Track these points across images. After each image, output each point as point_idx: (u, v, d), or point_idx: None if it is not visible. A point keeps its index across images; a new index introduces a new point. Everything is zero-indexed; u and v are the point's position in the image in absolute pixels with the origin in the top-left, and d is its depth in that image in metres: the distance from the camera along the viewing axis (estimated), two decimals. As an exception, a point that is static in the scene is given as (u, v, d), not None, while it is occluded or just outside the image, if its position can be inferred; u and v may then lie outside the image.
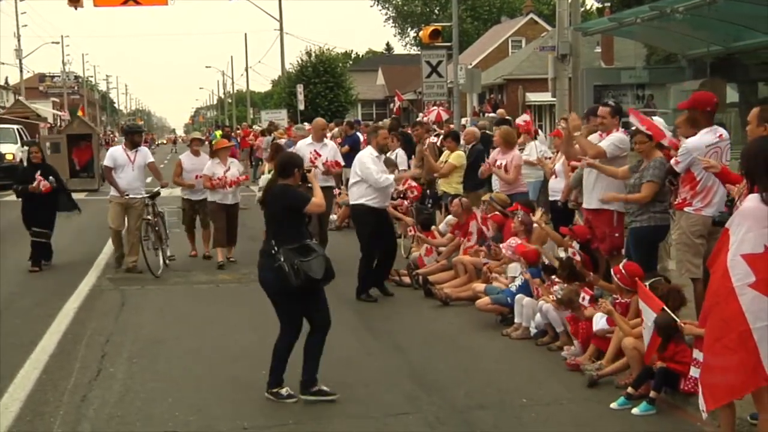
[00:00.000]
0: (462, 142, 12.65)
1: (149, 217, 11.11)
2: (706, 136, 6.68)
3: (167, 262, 11.49)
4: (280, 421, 5.75)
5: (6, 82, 64.61)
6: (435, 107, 20.88)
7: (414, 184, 11.24)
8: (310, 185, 6.42)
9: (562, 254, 7.86)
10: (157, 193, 11.52)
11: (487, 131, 14.04)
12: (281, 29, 44.59)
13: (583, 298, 7.37)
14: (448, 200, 11.56)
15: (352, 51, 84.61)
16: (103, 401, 6.16)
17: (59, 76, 73.55)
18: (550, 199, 9.84)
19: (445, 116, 20.31)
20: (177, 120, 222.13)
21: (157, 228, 11.20)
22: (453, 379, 6.55)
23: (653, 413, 5.73)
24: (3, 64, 64.01)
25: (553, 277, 7.72)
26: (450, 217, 10.86)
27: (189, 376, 6.78)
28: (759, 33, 15.53)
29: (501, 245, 8.96)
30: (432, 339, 7.83)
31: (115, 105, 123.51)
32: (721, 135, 6.73)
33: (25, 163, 12.44)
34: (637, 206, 7.26)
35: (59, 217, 11.87)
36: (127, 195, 10.97)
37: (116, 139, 46.46)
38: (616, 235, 7.84)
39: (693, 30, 16.12)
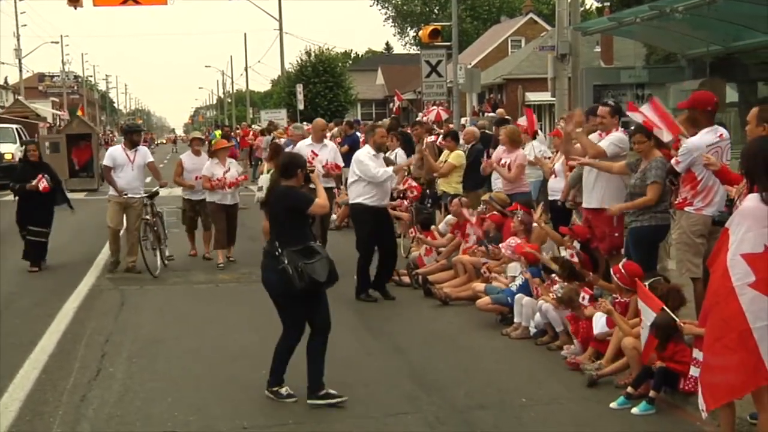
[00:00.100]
0: (462, 141, 12.65)
1: (147, 217, 11.09)
2: (706, 136, 6.68)
3: (166, 262, 11.48)
4: (279, 420, 5.75)
5: (5, 82, 64.57)
6: (434, 107, 20.89)
7: (414, 183, 11.24)
8: (313, 186, 6.37)
9: (564, 253, 7.85)
10: (156, 193, 11.49)
11: (487, 131, 14.05)
12: (281, 29, 44.59)
13: (583, 298, 7.37)
14: (447, 200, 11.56)
15: (351, 51, 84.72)
16: (102, 401, 6.16)
17: (59, 76, 73.54)
18: (550, 198, 9.84)
19: (444, 116, 20.32)
20: (176, 120, 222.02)
21: (155, 228, 11.18)
22: (453, 379, 6.55)
23: (653, 413, 5.73)
24: (2, 63, 64.05)
25: (553, 275, 7.72)
26: (450, 216, 10.86)
27: (188, 375, 6.78)
28: (759, 33, 15.52)
29: (500, 245, 8.96)
30: (432, 339, 7.83)
31: (115, 105, 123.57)
32: (721, 135, 6.73)
33: (22, 162, 12.27)
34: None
35: (56, 215, 11.85)
36: (125, 194, 10.95)
37: (116, 138, 46.46)
38: (616, 234, 7.84)
39: (692, 30, 16.11)
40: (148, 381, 6.64)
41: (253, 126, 36.41)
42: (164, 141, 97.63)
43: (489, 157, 11.04)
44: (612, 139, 7.88)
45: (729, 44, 16.52)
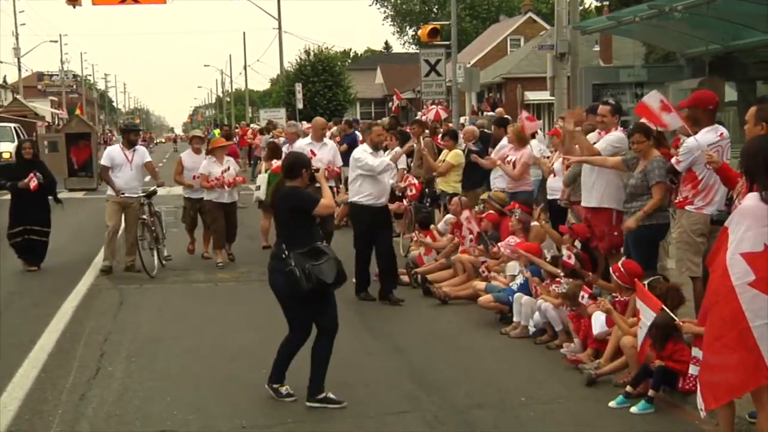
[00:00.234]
0: (461, 140, 12.65)
1: (145, 216, 11.04)
2: (707, 135, 6.67)
3: (164, 262, 11.46)
4: (279, 420, 5.75)
5: (4, 81, 64.51)
6: (434, 106, 20.87)
7: (414, 181, 11.21)
8: (318, 185, 6.28)
9: (564, 252, 7.85)
10: (154, 192, 11.43)
11: (486, 130, 14.05)
12: (280, 28, 44.60)
13: (582, 297, 7.37)
14: (446, 199, 11.57)
15: (350, 50, 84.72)
16: (101, 400, 6.16)
17: (57, 75, 73.44)
18: (549, 197, 9.84)
19: (443, 115, 20.31)
20: (176, 119, 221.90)
21: (153, 228, 11.14)
22: (452, 378, 6.55)
23: (652, 412, 5.74)
24: (1, 62, 63.82)
25: (559, 276, 7.69)
26: (449, 216, 10.86)
27: (188, 375, 6.78)
28: (757, 32, 15.53)
29: (499, 244, 8.96)
30: (431, 338, 7.83)
31: (114, 104, 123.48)
32: (722, 134, 6.73)
33: (16, 159, 12.19)
34: (640, 204, 7.25)
35: (55, 214, 11.81)
36: (123, 194, 10.93)
37: (114, 138, 46.43)
38: (615, 233, 7.84)
39: (691, 28, 16.12)
40: (147, 380, 6.64)
41: (251, 125, 36.38)
42: (163, 140, 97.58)
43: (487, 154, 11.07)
44: (610, 140, 7.88)
45: (728, 43, 16.54)
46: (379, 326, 8.30)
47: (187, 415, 5.86)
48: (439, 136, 13.84)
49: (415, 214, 11.70)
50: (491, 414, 5.81)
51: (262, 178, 12.32)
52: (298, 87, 38.75)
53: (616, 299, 6.81)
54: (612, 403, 5.89)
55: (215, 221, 11.59)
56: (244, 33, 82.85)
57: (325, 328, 6.01)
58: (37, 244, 11.44)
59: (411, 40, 69.76)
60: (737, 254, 4.34)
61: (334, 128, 18.35)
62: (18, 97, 48.77)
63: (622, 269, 6.76)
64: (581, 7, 35.07)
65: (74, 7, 23.78)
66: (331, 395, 5.93)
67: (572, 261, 7.63)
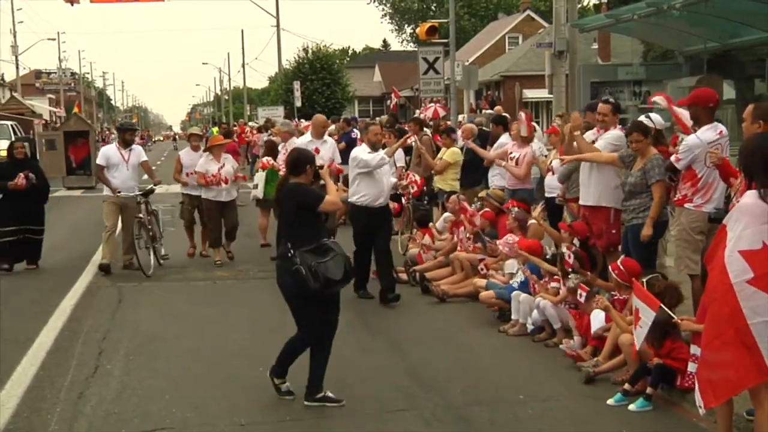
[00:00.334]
0: (459, 138, 12.65)
1: (141, 215, 10.97)
2: (707, 133, 6.66)
3: (161, 261, 11.43)
4: (277, 418, 5.75)
5: (2, 79, 64.41)
6: (432, 104, 20.87)
7: (415, 178, 11.19)
8: (323, 182, 6.21)
9: (565, 250, 7.86)
10: (151, 191, 11.36)
11: (484, 128, 14.06)
12: (278, 26, 44.58)
13: (580, 295, 7.38)
14: (444, 197, 11.57)
15: (349, 47, 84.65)
16: (100, 398, 6.16)
17: (55, 73, 73.36)
18: (547, 195, 9.85)
19: (442, 113, 20.31)
20: (174, 117, 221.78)
21: (150, 226, 11.08)
22: (450, 376, 6.56)
23: (650, 409, 5.75)
24: (-1, 60, 63.85)
25: (569, 274, 7.67)
26: (447, 214, 10.86)
27: (186, 373, 6.78)
28: (755, 29, 15.55)
29: (498, 242, 8.97)
30: (429, 336, 7.84)
31: (112, 102, 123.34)
32: (721, 131, 6.73)
33: (7, 159, 12.04)
34: (639, 203, 7.25)
35: (53, 213, 11.75)
36: (119, 193, 10.88)
37: (112, 136, 46.34)
38: (613, 231, 7.85)
39: (690, 26, 16.14)
40: (145, 378, 6.64)
41: (249, 123, 36.36)
42: (161, 138, 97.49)
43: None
44: (609, 139, 7.88)
45: (726, 41, 16.56)
46: (377, 324, 8.30)
47: (186, 413, 5.86)
48: (443, 133, 13.82)
49: (413, 213, 11.71)
50: (489, 411, 5.81)
51: (260, 176, 12.29)
52: (297, 85, 38.74)
53: (615, 297, 6.82)
54: (610, 401, 5.90)
55: (212, 220, 11.56)
56: (242, 31, 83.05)
57: (325, 329, 5.98)
58: (32, 242, 11.39)
59: (409, 38, 69.73)
60: (736, 252, 4.34)
61: (332, 127, 18.34)
62: (15, 94, 48.73)
63: (621, 267, 6.76)
64: (579, 5, 35.07)
65: (72, 5, 23.80)
66: (329, 394, 5.92)
67: (571, 260, 7.64)
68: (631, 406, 5.78)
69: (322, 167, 6.31)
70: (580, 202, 8.24)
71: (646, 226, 7.16)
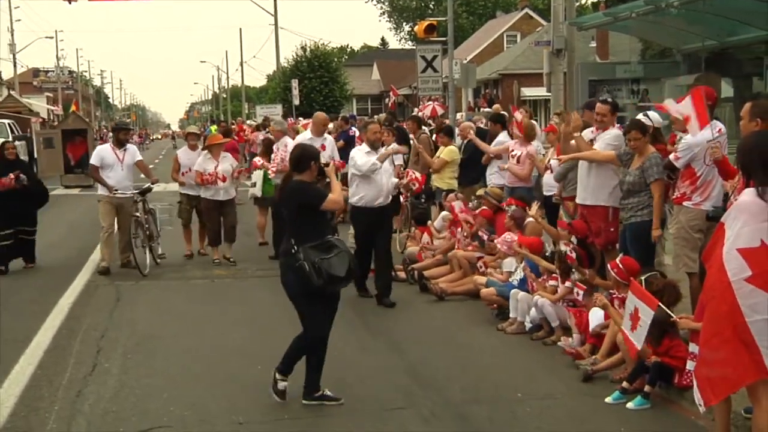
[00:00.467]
0: (457, 136, 12.65)
1: (138, 214, 10.91)
2: (707, 131, 6.66)
3: (158, 260, 11.39)
4: (275, 416, 5.75)
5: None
6: (430, 102, 20.87)
7: (416, 175, 11.17)
8: (327, 180, 6.14)
9: (564, 248, 7.87)
10: (148, 189, 11.31)
11: (483, 126, 14.05)
12: (276, 24, 44.56)
13: (578, 293, 7.39)
14: (441, 196, 11.57)
15: (347, 46, 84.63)
16: (98, 396, 6.16)
17: (53, 71, 73.27)
18: (545, 194, 9.85)
19: (440, 111, 20.31)
20: (172, 115, 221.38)
21: (146, 225, 11.03)
22: (448, 374, 6.56)
23: (648, 407, 5.75)
24: (-3, 59, 63.76)
25: (573, 263, 7.67)
26: (445, 213, 10.86)
27: (184, 371, 6.78)
28: (753, 28, 15.57)
29: (496, 240, 8.97)
30: (427, 334, 7.84)
31: (110, 100, 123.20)
32: (720, 129, 6.72)
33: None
34: (637, 201, 7.25)
35: (52, 211, 11.70)
36: (116, 191, 10.81)
37: (110, 134, 46.24)
38: (611, 229, 7.85)
39: (688, 24, 16.15)
40: (143, 377, 6.63)
41: (247, 122, 36.34)
42: (159, 137, 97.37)
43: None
44: (608, 139, 7.87)
45: (724, 39, 16.58)
46: (375, 322, 8.30)
47: (184, 411, 5.86)
48: (440, 131, 13.82)
49: (411, 211, 11.70)
50: (487, 410, 5.81)
51: (258, 175, 12.27)
52: (295, 83, 38.72)
53: (614, 296, 6.82)
54: (608, 399, 5.90)
55: (210, 219, 11.54)
56: (240, 29, 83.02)
57: (328, 327, 5.95)
58: (27, 243, 11.31)
59: (407, 36, 69.72)
60: (734, 250, 4.34)
61: (331, 125, 18.32)
62: (13, 93, 48.61)
63: (620, 266, 6.76)
64: (578, 3, 35.07)
65: (70, 3, 23.75)
66: (327, 392, 5.91)
67: (574, 255, 7.65)
68: (629, 404, 5.78)
69: (327, 165, 6.22)
70: (578, 200, 8.24)
71: (654, 227, 7.16)
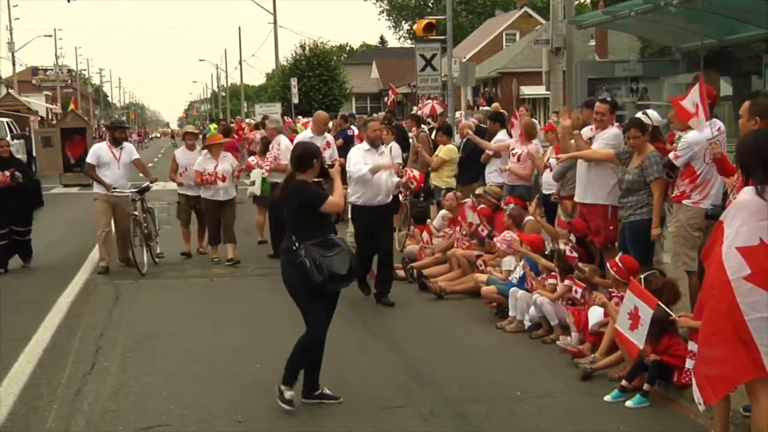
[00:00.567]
0: (457, 135, 12.65)
1: (137, 212, 10.87)
2: (706, 130, 6.66)
3: (156, 260, 11.38)
4: (274, 415, 5.74)
5: (-2, 76, 64.30)
6: (429, 100, 20.87)
7: (414, 174, 11.17)
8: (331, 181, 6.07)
9: (563, 247, 7.87)
10: (147, 188, 11.26)
11: (482, 124, 14.05)
12: (275, 22, 44.54)
13: (576, 291, 7.39)
14: (440, 195, 11.57)
15: (346, 44, 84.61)
16: (97, 395, 6.16)
17: (52, 70, 73.24)
18: (544, 192, 9.86)
19: (439, 109, 20.31)
20: (171, 114, 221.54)
21: (145, 224, 11.00)
22: (447, 373, 6.56)
23: (647, 406, 5.75)
24: (-4, 57, 63.83)
25: (573, 262, 7.67)
26: (444, 211, 10.87)
27: (183, 370, 6.78)
28: (752, 26, 15.59)
29: (495, 239, 8.97)
30: (426, 333, 7.84)
31: (109, 99, 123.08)
32: (719, 128, 6.72)
33: None
34: (636, 200, 7.25)
35: (50, 209, 11.66)
36: (114, 189, 10.75)
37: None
38: (611, 228, 7.86)
39: (687, 23, 16.17)
40: (142, 375, 6.63)
41: (246, 120, 36.35)
42: (158, 135, 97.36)
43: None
44: (606, 139, 7.87)
45: (723, 38, 16.59)
46: (374, 321, 8.30)
47: (183, 410, 5.86)
48: (439, 130, 13.83)
49: (410, 209, 11.71)
50: (486, 408, 5.81)
51: (257, 173, 12.27)
52: (294, 82, 38.69)
53: (613, 294, 6.82)
54: (607, 397, 5.90)
55: (210, 219, 11.50)
56: (239, 28, 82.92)
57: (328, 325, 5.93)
58: (21, 243, 11.23)
59: (406, 35, 69.71)
60: (733, 248, 4.35)
61: (329, 124, 18.30)
62: (11, 91, 48.57)
63: (620, 264, 6.76)
64: (577, 2, 35.07)
65: (69, 2, 23.72)
66: (326, 390, 5.91)
67: (574, 254, 7.65)
68: (628, 403, 5.79)
69: (332, 166, 6.12)
70: (577, 199, 8.24)
71: (654, 226, 7.16)
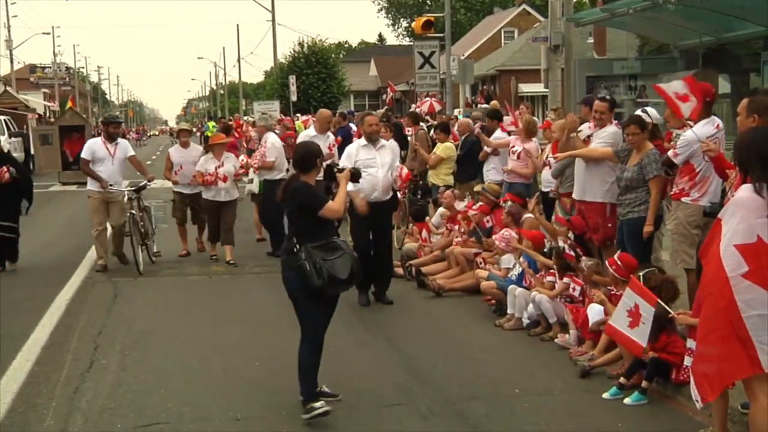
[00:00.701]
0: (456, 133, 12.65)
1: (133, 211, 10.78)
2: (705, 128, 6.64)
3: (153, 259, 11.34)
4: (273, 412, 5.75)
5: (-4, 73, 64.19)
6: (428, 98, 20.87)
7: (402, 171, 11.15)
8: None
9: (562, 244, 7.87)
10: (144, 187, 11.17)
11: (480, 122, 14.03)
12: (273, 20, 44.50)
13: (574, 289, 7.39)
14: (438, 192, 11.57)
15: (344, 42, 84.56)
16: (95, 393, 6.15)
17: (50, 67, 73.15)
18: (543, 189, 9.86)
19: (437, 107, 20.32)
20: (169, 111, 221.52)
21: (141, 223, 10.93)
22: (446, 370, 6.56)
23: (645, 403, 5.76)
24: (-7, 55, 63.53)
25: (572, 260, 7.67)
26: (442, 209, 10.86)
27: (182, 368, 6.77)
28: (750, 24, 15.59)
29: (494, 237, 8.97)
30: (425, 330, 7.84)
31: (107, 96, 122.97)
32: (718, 125, 6.72)
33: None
34: (634, 197, 7.25)
35: (49, 208, 11.63)
36: (111, 185, 10.68)
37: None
38: (609, 225, 7.86)
39: (685, 21, 16.18)
40: (141, 373, 6.63)
41: (245, 118, 36.31)
42: (157, 133, 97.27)
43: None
44: (605, 138, 7.87)
45: (721, 35, 16.60)
46: (373, 319, 8.30)
47: (181, 408, 5.85)
48: (437, 128, 13.82)
49: (409, 207, 11.71)
50: (485, 406, 5.81)
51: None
52: (292, 79, 38.71)
53: (612, 292, 6.82)
54: (605, 395, 5.91)
55: (210, 219, 11.40)
56: (237, 25, 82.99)
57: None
58: (8, 242, 10.94)
59: (405, 32, 69.71)
60: (731, 246, 4.35)
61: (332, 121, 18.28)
62: (9, 89, 48.50)
63: (618, 262, 6.76)
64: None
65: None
66: (325, 388, 5.88)
67: (573, 252, 7.65)
68: (627, 400, 5.79)
69: (342, 170, 6.01)
70: (575, 196, 8.25)
71: (647, 223, 7.16)
